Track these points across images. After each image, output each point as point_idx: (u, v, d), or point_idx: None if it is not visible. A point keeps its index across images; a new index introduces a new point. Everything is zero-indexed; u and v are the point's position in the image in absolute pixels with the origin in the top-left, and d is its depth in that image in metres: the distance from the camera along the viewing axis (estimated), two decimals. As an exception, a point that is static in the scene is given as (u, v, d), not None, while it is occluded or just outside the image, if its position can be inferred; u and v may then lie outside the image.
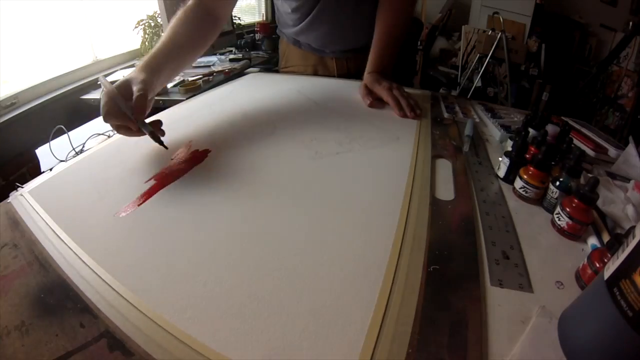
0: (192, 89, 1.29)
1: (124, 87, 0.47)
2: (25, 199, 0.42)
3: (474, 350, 0.24)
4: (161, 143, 0.47)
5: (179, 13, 0.61)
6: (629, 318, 0.20)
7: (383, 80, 0.71)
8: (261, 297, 0.28)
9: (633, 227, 0.23)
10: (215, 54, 1.85)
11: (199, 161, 0.48)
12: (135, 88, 0.47)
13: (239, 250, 0.33)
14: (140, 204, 0.40)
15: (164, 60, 0.55)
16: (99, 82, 0.49)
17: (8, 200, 0.43)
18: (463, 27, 2.69)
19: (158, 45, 0.57)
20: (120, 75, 1.41)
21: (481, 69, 2.49)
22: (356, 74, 0.88)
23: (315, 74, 0.91)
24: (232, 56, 1.86)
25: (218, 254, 0.33)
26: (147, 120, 0.49)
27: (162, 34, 0.59)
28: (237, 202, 0.40)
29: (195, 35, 0.62)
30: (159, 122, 0.51)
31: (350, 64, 0.89)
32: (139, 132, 0.47)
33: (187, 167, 0.47)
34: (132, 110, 0.45)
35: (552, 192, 0.40)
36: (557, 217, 0.37)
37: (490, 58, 2.43)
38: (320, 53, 0.89)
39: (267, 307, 0.27)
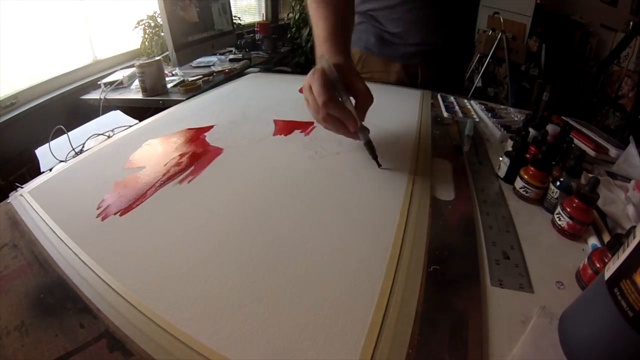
0: (192, 89, 1.29)
1: (343, 71, 0.41)
2: (25, 199, 0.42)
3: (474, 351, 0.24)
4: (376, 158, 0.40)
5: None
6: (629, 318, 0.20)
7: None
8: (261, 297, 0.28)
9: (633, 227, 0.23)
10: (215, 54, 1.85)
11: (197, 160, 0.48)
12: (358, 83, 0.41)
13: (239, 250, 0.33)
14: (140, 204, 0.40)
15: (348, 38, 0.50)
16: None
17: (8, 201, 0.43)
18: (463, 27, 2.68)
19: (329, 24, 0.50)
20: (120, 75, 1.40)
21: (481, 69, 2.49)
22: (440, 83, 0.81)
23: (398, 81, 0.81)
24: (232, 56, 1.86)
25: (218, 254, 0.33)
26: None
27: (319, 14, 0.53)
28: (237, 201, 0.40)
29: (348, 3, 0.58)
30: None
31: (435, 70, 0.81)
32: (353, 135, 0.41)
33: (186, 166, 0.47)
34: (353, 107, 0.39)
35: (553, 192, 0.39)
36: (558, 217, 0.37)
37: (490, 58, 2.43)
38: (407, 60, 0.79)
39: (267, 307, 0.27)
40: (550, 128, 0.51)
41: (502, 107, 0.74)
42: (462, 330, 0.26)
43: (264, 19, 2.82)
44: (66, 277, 0.30)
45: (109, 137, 0.65)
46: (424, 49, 0.78)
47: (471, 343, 0.25)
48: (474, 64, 2.53)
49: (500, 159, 0.47)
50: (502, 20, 2.42)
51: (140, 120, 0.67)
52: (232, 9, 1.92)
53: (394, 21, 0.77)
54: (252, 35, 2.25)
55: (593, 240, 0.35)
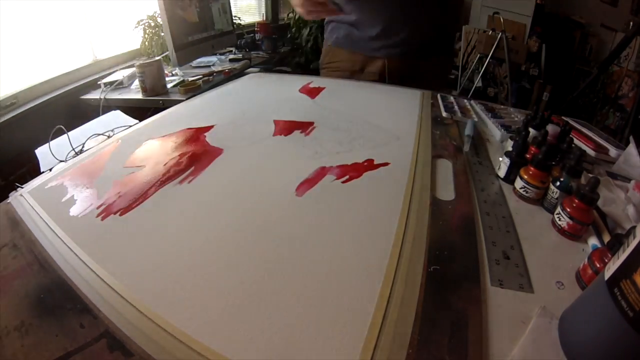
0: (192, 89, 1.29)
1: None
2: (25, 199, 0.42)
3: (475, 351, 0.24)
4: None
5: None
6: (629, 318, 0.20)
7: None
8: (261, 297, 0.28)
9: (633, 227, 0.23)
10: (215, 54, 1.85)
11: (197, 160, 0.48)
12: None
13: (238, 250, 0.33)
14: (140, 203, 0.40)
15: None
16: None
17: (8, 201, 0.43)
18: (463, 27, 2.69)
19: None
20: (120, 75, 1.40)
21: (481, 69, 2.49)
22: (406, 79, 0.85)
23: (362, 70, 0.88)
24: (232, 56, 1.86)
25: (218, 254, 0.33)
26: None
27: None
28: (237, 201, 0.40)
29: None
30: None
31: (403, 65, 0.85)
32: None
33: (186, 166, 0.47)
34: None
35: (553, 192, 0.39)
36: (558, 217, 0.37)
37: (490, 58, 2.43)
38: (371, 52, 0.85)
39: (267, 307, 0.27)
40: (550, 128, 0.51)
41: (502, 107, 0.74)
42: (462, 330, 0.26)
43: (264, 19, 2.82)
44: (66, 277, 0.30)
45: (109, 137, 0.65)
46: (386, 43, 0.84)
47: (471, 343, 0.25)
48: (474, 64, 2.53)
49: (500, 159, 0.47)
50: (502, 20, 2.42)
51: (140, 120, 0.67)
52: (232, 9, 1.92)
53: (359, 23, 0.83)
54: (252, 35, 2.24)
55: (593, 240, 0.35)
